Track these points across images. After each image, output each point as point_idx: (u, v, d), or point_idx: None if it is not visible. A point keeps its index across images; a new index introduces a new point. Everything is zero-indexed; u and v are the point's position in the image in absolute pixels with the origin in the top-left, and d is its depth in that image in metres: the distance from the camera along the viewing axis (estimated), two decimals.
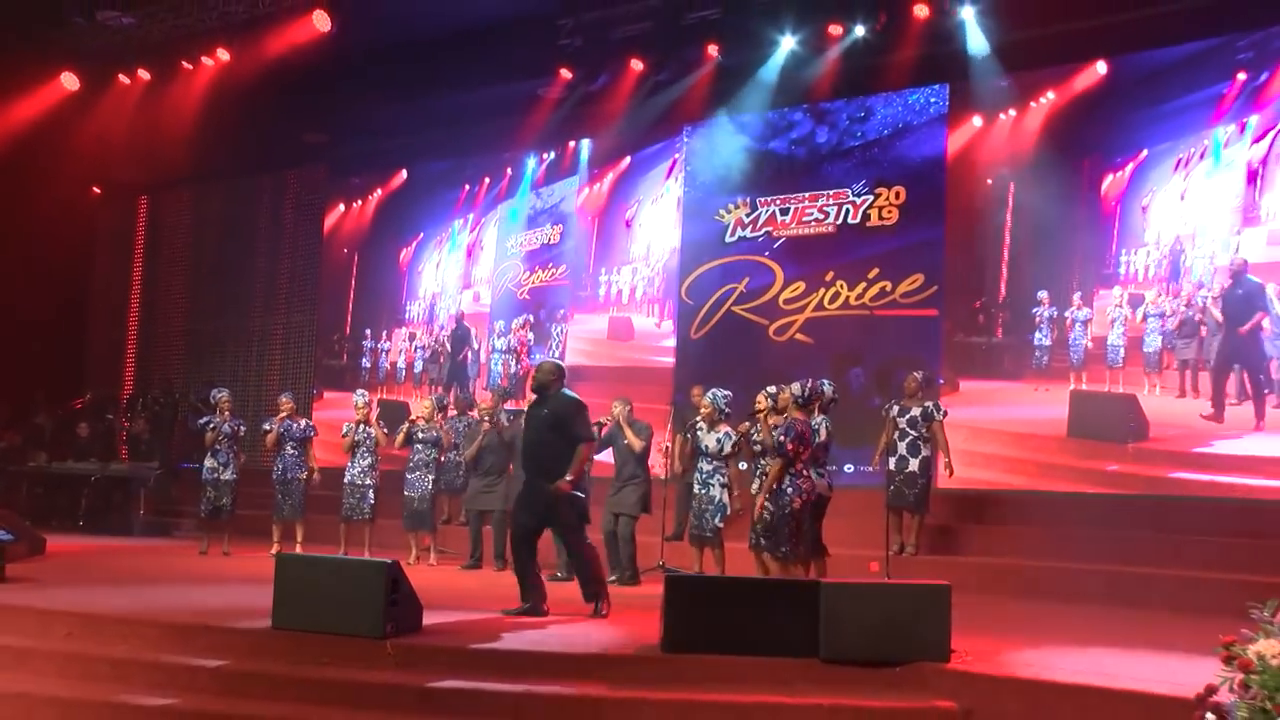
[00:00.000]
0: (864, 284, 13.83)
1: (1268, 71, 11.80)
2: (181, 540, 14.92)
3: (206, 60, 16.04)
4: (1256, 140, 11.81)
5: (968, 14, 13.00)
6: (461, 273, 17.55)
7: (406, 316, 18.02)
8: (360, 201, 18.57)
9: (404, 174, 18.12)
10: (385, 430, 12.68)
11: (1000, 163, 13.44)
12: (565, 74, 15.43)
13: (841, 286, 14.00)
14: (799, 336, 14.21)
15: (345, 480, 12.51)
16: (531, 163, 16.92)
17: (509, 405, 13.66)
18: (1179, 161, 12.31)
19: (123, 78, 16.86)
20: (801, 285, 14.27)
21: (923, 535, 11.39)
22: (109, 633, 7.56)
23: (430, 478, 12.44)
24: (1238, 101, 11.98)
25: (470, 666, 6.88)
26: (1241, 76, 11.94)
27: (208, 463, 12.96)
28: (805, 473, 8.97)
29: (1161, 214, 12.42)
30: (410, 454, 12.52)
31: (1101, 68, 12.79)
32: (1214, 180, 12.09)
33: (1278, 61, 11.75)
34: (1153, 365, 12.22)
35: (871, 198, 13.95)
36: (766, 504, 8.93)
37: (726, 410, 10.39)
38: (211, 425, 13.04)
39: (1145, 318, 12.30)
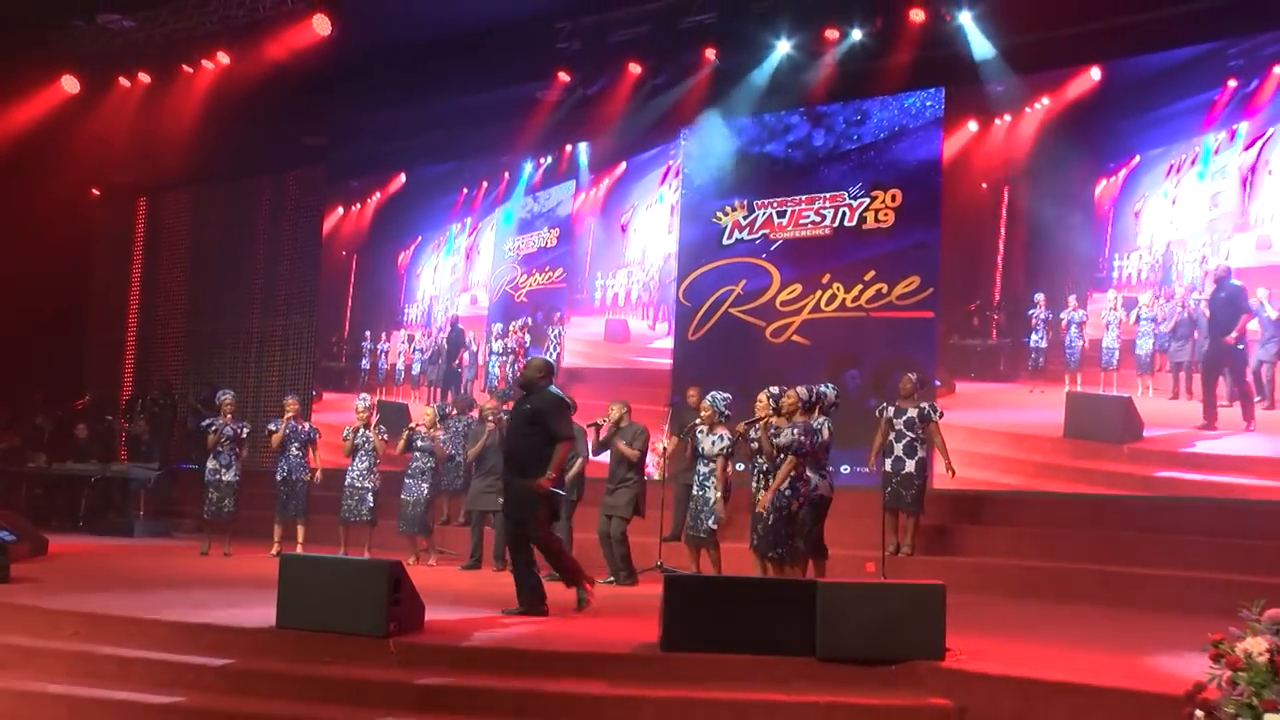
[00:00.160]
0: (860, 286, 13.92)
1: (1258, 79, 11.91)
2: (181, 541, 14.98)
3: (207, 63, 16.12)
4: (1247, 147, 11.93)
5: (965, 19, 13.07)
6: (459, 276, 17.64)
7: (405, 319, 18.10)
8: (359, 205, 18.64)
9: (402, 177, 18.19)
10: (385, 438, 12.73)
11: (995, 167, 13.52)
12: (563, 77, 15.51)
13: (838, 288, 14.09)
14: (796, 338, 14.30)
15: (345, 482, 12.60)
16: (528, 167, 17.00)
17: (510, 406, 13.72)
18: (1171, 167, 12.42)
19: (123, 80, 16.93)
20: (798, 287, 14.36)
21: (918, 536, 11.47)
22: (115, 632, 7.64)
23: (426, 485, 12.51)
24: (1228, 108, 12.09)
25: (472, 665, 6.97)
26: (1232, 84, 12.05)
27: (210, 464, 13.04)
28: (805, 475, 9.08)
29: (1153, 219, 12.53)
30: (410, 460, 12.60)
31: (1095, 74, 12.90)
32: (1205, 186, 12.21)
33: (1268, 69, 11.86)
34: (1145, 367, 12.33)
35: (868, 200, 14.04)
36: (766, 505, 9.05)
37: (726, 413, 10.46)
38: (214, 427, 13.12)
39: (1138, 320, 12.41)
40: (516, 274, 16.92)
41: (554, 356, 16.13)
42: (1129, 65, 12.79)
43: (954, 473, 11.35)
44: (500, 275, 17.09)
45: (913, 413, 11.29)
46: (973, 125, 13.65)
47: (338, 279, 18.74)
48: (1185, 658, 5.02)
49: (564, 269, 16.48)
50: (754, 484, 9.46)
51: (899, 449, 11.26)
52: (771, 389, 9.63)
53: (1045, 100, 13.19)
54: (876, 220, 13.98)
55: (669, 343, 15.41)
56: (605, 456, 11.25)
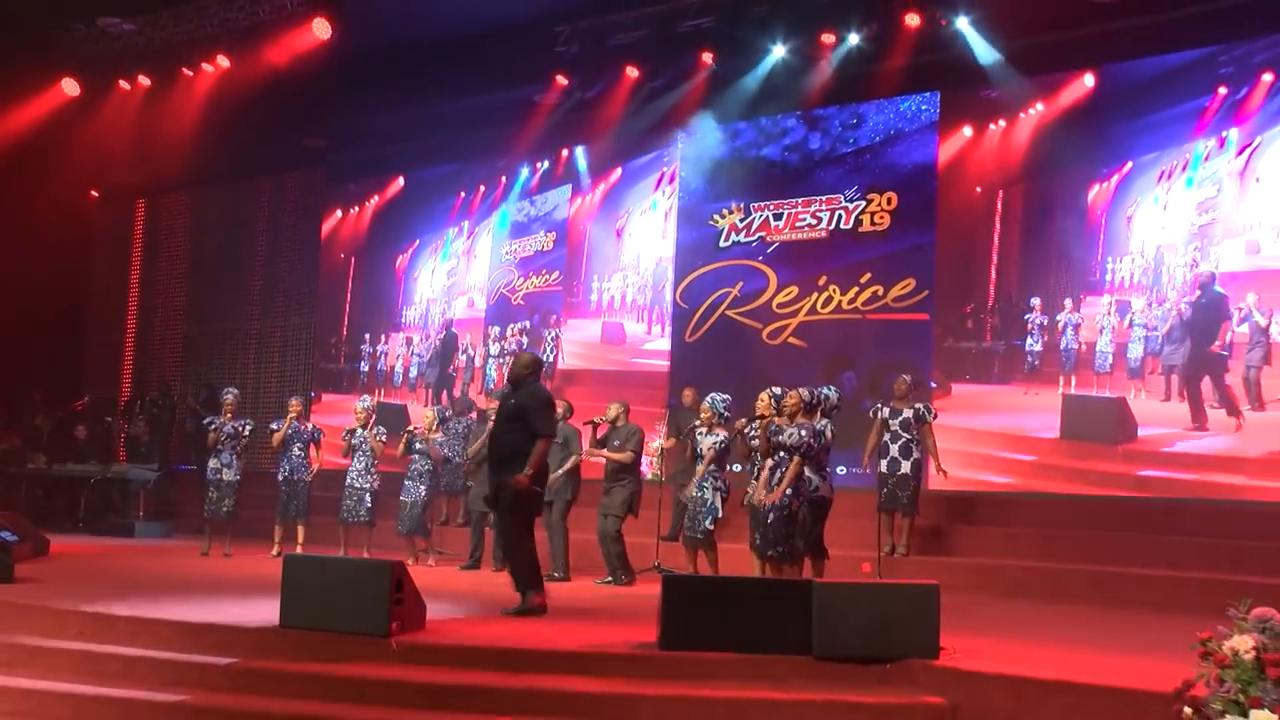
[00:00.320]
0: (856, 288, 14.03)
1: (1247, 87, 12.05)
2: (181, 541, 15.03)
3: (207, 67, 16.18)
4: (1238, 154, 12.06)
5: (963, 24, 13.16)
6: (456, 280, 17.73)
7: (403, 321, 18.19)
8: (357, 208, 18.73)
9: (401, 181, 18.28)
10: (383, 439, 12.78)
11: (990, 172, 13.64)
12: (561, 81, 15.60)
13: (834, 291, 14.19)
14: (792, 340, 14.40)
15: (345, 483, 12.68)
16: (525, 171, 17.10)
17: None
18: (1162, 173, 12.55)
19: (123, 83, 17.00)
20: (795, 289, 14.46)
21: (914, 536, 11.55)
22: (119, 631, 7.71)
23: (424, 487, 12.56)
24: (1218, 115, 12.23)
25: (473, 664, 7.04)
26: (1222, 90, 12.19)
27: (211, 463, 13.11)
28: (805, 475, 9.18)
29: (1145, 224, 12.65)
30: (410, 461, 12.68)
31: (1089, 80, 13.02)
32: (1195, 192, 12.33)
33: (1257, 76, 12.00)
34: (1135, 372, 12.46)
35: (864, 203, 14.15)
36: (768, 504, 9.14)
37: (726, 415, 10.53)
38: (214, 426, 13.19)
39: (1131, 325, 12.53)
40: (513, 277, 17.02)
41: (550, 358, 16.25)
42: (1122, 72, 12.91)
43: (945, 474, 11.44)
44: (497, 278, 17.19)
45: (908, 414, 11.37)
46: (967, 130, 13.76)
47: (336, 281, 18.82)
48: (1177, 656, 5.10)
49: (560, 272, 16.58)
50: (752, 484, 9.51)
51: (894, 450, 11.33)
52: (774, 389, 9.67)
53: (1039, 106, 13.30)
54: (872, 223, 14.08)
55: (665, 344, 15.52)
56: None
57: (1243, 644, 4.77)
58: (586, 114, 15.82)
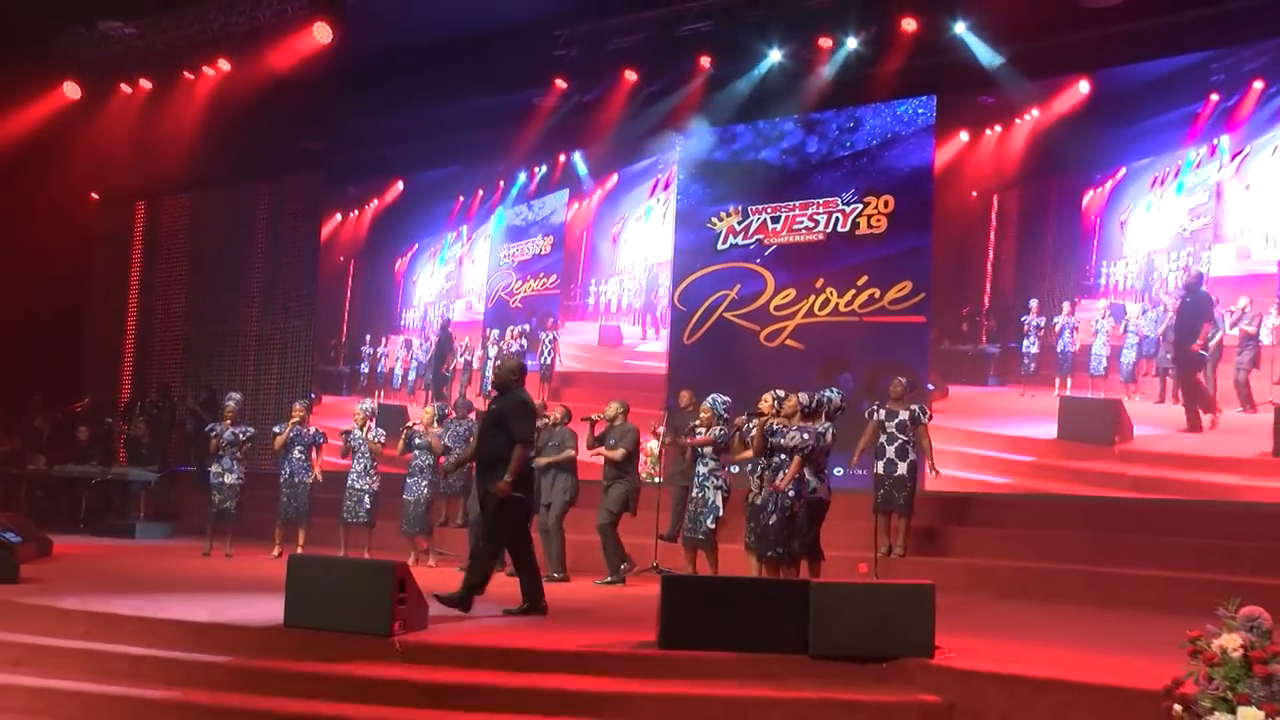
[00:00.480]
0: (853, 291, 14.11)
1: (1238, 94, 12.18)
2: (182, 542, 15.10)
3: (208, 70, 16.22)
4: (1232, 160, 12.18)
5: (959, 29, 13.25)
6: (454, 283, 17.83)
7: (402, 324, 18.28)
8: (357, 212, 18.81)
9: (400, 185, 18.37)
10: (381, 440, 12.86)
11: (985, 176, 13.74)
12: (560, 84, 15.68)
13: (831, 293, 14.28)
14: (789, 342, 14.49)
15: (345, 484, 12.77)
16: (523, 176, 17.20)
17: None
18: (1155, 179, 12.67)
19: (124, 87, 17.05)
20: (792, 292, 14.55)
21: (910, 537, 11.62)
22: (125, 631, 7.80)
23: (426, 483, 12.64)
24: (1210, 122, 12.35)
25: (475, 663, 7.13)
26: (1214, 98, 12.31)
27: (213, 468, 13.22)
28: (804, 477, 9.27)
29: (1139, 229, 12.77)
30: (411, 459, 12.76)
31: (1084, 87, 13.12)
32: (1187, 198, 12.45)
33: (1248, 84, 12.12)
34: (1128, 376, 12.58)
35: (860, 206, 14.23)
36: (767, 505, 9.24)
37: (725, 415, 10.62)
38: (215, 433, 13.29)
39: (1126, 331, 12.64)
40: (511, 280, 17.12)
41: (548, 361, 16.36)
42: (1115, 78, 13.02)
43: (938, 473, 11.54)
44: (495, 281, 17.29)
45: (904, 415, 11.44)
46: (964, 135, 13.86)
47: (335, 284, 18.90)
48: (1167, 655, 5.19)
49: (558, 276, 16.69)
50: (753, 483, 9.59)
51: (891, 451, 11.41)
52: (777, 391, 9.73)
53: (1035, 112, 13.40)
54: (869, 226, 14.17)
55: (659, 346, 15.64)
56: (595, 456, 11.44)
57: (1231, 642, 4.87)
58: (585, 117, 15.89)
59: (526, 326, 16.78)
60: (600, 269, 16.52)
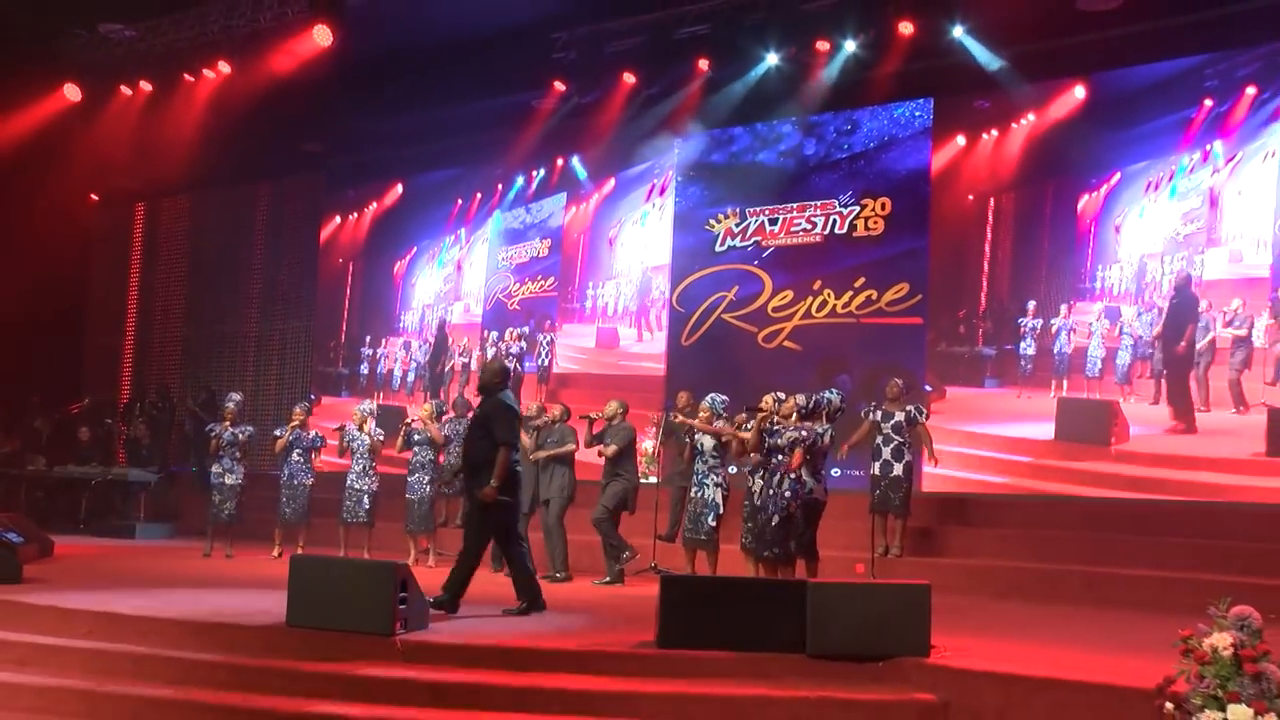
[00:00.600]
0: (850, 292, 14.18)
1: (1231, 100, 12.29)
2: (182, 543, 15.16)
3: (208, 73, 16.25)
4: (1225, 165, 12.27)
5: (957, 32, 13.33)
6: (452, 286, 17.90)
7: (401, 326, 18.34)
8: (356, 215, 18.88)
9: (399, 188, 18.43)
10: (381, 437, 12.92)
11: (982, 180, 13.82)
12: (559, 87, 15.74)
13: (829, 295, 14.34)
14: (787, 344, 14.56)
15: (345, 484, 12.83)
16: (520, 180, 17.27)
17: None
18: (1149, 184, 12.77)
19: (124, 89, 17.09)
20: (790, 293, 14.61)
21: (906, 538, 11.70)
22: (129, 630, 7.86)
23: (428, 479, 12.68)
24: (1204, 127, 12.46)
25: (475, 662, 7.20)
26: (1208, 103, 12.42)
27: (214, 468, 13.29)
28: (802, 478, 9.34)
29: (1133, 233, 12.86)
30: (411, 457, 12.81)
31: (1080, 92, 13.21)
32: (1180, 202, 12.56)
33: (1241, 90, 12.23)
34: (1123, 378, 12.67)
35: (858, 208, 14.30)
36: (765, 506, 9.31)
37: (724, 414, 10.68)
38: (214, 433, 13.36)
39: (1121, 333, 12.73)
40: (510, 282, 17.20)
41: (546, 362, 16.45)
42: (1111, 83, 13.11)
43: (936, 460, 11.66)
44: (494, 283, 17.36)
45: (899, 416, 11.52)
46: (960, 140, 13.94)
47: (335, 286, 18.96)
48: (1162, 654, 5.26)
49: (555, 278, 16.77)
50: (755, 482, 9.65)
51: (887, 453, 11.48)
52: (778, 394, 9.78)
53: (1031, 117, 13.49)
54: (866, 228, 14.24)
55: (653, 348, 15.73)
56: (592, 456, 11.51)
57: (1222, 641, 4.95)
58: (583, 120, 15.96)
59: (526, 329, 16.85)
60: (597, 272, 16.60)
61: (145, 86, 16.98)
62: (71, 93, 17.13)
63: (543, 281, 16.88)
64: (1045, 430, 13.01)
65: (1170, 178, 12.61)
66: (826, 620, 7.03)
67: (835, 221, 14.43)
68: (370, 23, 15.04)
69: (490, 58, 15.15)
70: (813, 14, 13.98)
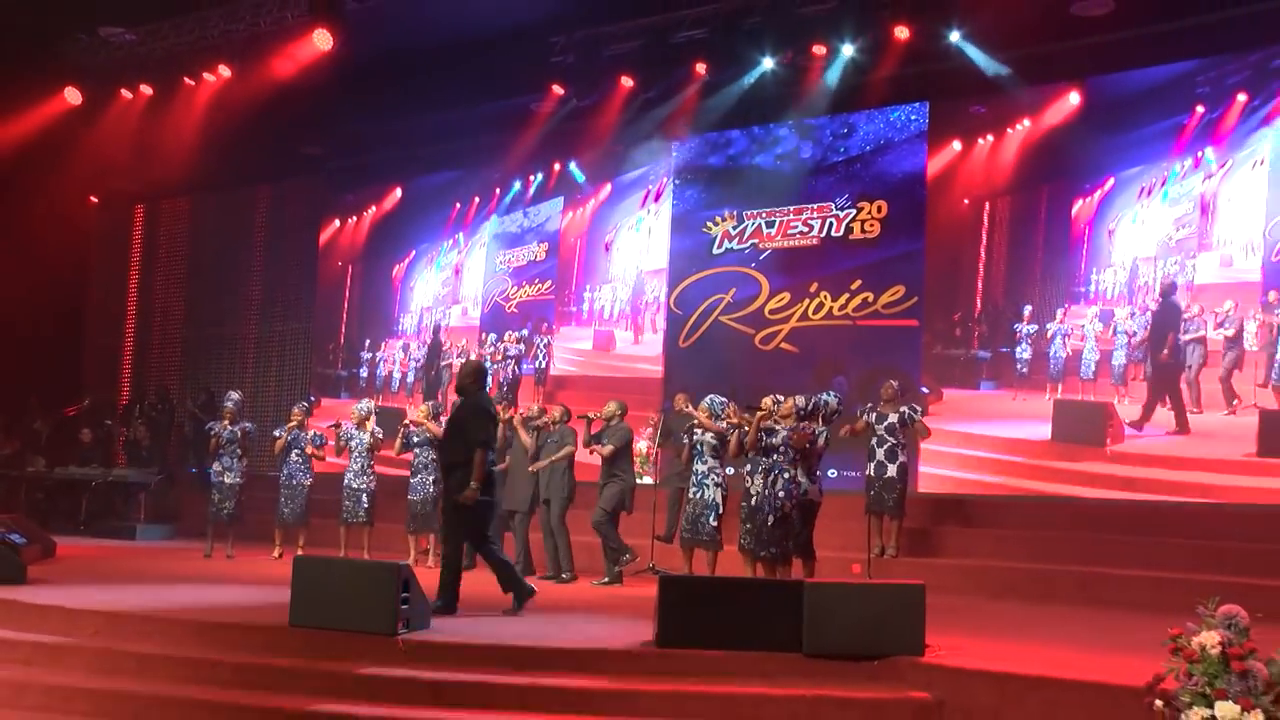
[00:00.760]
0: (847, 295, 14.28)
1: (1222, 107, 12.42)
2: (183, 544, 15.21)
3: (208, 76, 16.30)
4: (1216, 171, 12.39)
5: (953, 37, 13.42)
6: (450, 289, 17.98)
7: (399, 329, 18.43)
8: (355, 219, 18.95)
9: (398, 192, 18.52)
10: (380, 435, 12.98)
11: (977, 185, 13.93)
12: (557, 90, 15.82)
13: (825, 297, 14.44)
14: (784, 346, 14.65)
15: (343, 484, 12.90)
16: (518, 184, 17.36)
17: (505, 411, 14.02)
18: (1142, 190, 12.88)
19: (125, 92, 17.13)
20: (787, 296, 14.71)
21: (902, 538, 11.78)
22: (133, 630, 7.94)
23: (431, 479, 12.71)
24: (1196, 133, 12.58)
25: (476, 661, 7.27)
26: (1200, 109, 12.55)
27: (214, 467, 13.37)
28: (798, 478, 9.44)
29: (1127, 238, 12.98)
30: (412, 458, 12.87)
31: (1074, 98, 13.32)
32: (1173, 207, 12.69)
33: (1232, 97, 12.36)
34: (1119, 379, 12.78)
35: (854, 211, 14.40)
36: (763, 506, 9.40)
37: (722, 416, 10.77)
38: (214, 432, 13.43)
39: (1115, 333, 12.84)
40: (507, 285, 17.29)
41: (543, 364, 16.54)
42: (1105, 88, 13.22)
43: (929, 432, 11.89)
44: (492, 287, 17.46)
45: (893, 418, 11.58)
46: (956, 145, 14.05)
47: (334, 289, 19.03)
48: (1154, 653, 5.34)
49: (553, 281, 16.87)
50: (756, 482, 9.73)
51: (880, 454, 11.55)
52: (777, 396, 9.89)
53: (1026, 122, 13.60)
54: (863, 231, 14.33)
55: (644, 350, 15.87)
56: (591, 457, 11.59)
57: (1210, 640, 5.03)
58: (581, 123, 16.05)
59: (524, 331, 16.94)
60: (594, 275, 16.70)
61: (145, 90, 17.01)
62: (72, 96, 17.15)
63: (540, 285, 16.98)
64: (1040, 431, 13.11)
65: (1163, 183, 12.73)
66: (823, 620, 7.12)
67: (832, 224, 14.53)
68: (369, 26, 15.08)
69: (489, 61, 15.22)
70: (809, 18, 14.04)
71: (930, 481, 13.22)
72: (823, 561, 10.01)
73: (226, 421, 13.44)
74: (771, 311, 14.78)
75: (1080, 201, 13.26)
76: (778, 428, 9.57)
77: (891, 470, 11.51)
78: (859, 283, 14.22)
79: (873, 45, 13.94)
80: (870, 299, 14.12)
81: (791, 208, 14.84)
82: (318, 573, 7.84)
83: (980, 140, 13.92)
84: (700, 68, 14.93)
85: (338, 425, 13.05)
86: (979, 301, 13.83)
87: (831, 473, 12.83)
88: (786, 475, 9.45)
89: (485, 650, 7.41)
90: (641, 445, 12.82)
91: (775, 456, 9.53)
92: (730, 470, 11.18)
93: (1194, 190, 12.55)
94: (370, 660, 7.24)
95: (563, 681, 6.94)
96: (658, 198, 16.06)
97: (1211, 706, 4.88)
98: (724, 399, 10.85)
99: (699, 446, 10.75)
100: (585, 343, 16.60)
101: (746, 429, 9.77)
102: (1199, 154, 12.53)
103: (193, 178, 18.57)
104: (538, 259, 17.07)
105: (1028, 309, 13.42)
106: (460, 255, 17.94)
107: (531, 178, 17.24)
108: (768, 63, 14.59)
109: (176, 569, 11.95)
